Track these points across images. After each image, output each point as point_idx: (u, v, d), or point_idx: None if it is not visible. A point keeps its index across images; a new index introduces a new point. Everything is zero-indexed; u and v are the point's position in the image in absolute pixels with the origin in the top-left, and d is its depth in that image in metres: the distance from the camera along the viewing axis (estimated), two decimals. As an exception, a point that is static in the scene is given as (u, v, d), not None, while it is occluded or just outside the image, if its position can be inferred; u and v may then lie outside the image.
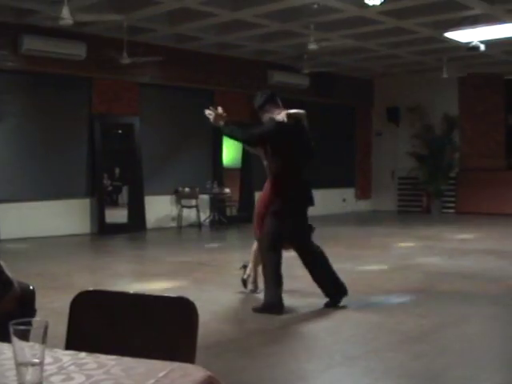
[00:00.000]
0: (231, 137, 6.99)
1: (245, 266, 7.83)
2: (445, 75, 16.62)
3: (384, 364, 5.01)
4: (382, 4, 10.67)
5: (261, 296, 7.19)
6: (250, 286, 7.71)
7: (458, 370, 4.86)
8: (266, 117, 7.00)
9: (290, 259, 7.22)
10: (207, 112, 6.85)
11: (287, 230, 6.89)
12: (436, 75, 17.25)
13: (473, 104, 18.95)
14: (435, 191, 19.17)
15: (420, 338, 5.77)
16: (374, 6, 10.89)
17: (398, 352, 5.34)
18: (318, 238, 7.23)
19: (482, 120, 18.86)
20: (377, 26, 13.40)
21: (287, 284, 6.90)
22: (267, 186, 7.03)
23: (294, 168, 6.94)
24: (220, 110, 6.87)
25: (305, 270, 7.04)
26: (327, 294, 6.95)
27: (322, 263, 7.01)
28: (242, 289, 7.67)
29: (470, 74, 18.44)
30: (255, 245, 7.50)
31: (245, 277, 7.74)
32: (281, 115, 6.90)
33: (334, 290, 6.98)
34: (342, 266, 9.63)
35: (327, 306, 6.92)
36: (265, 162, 7.21)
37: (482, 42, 13.72)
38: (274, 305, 6.72)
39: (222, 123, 6.82)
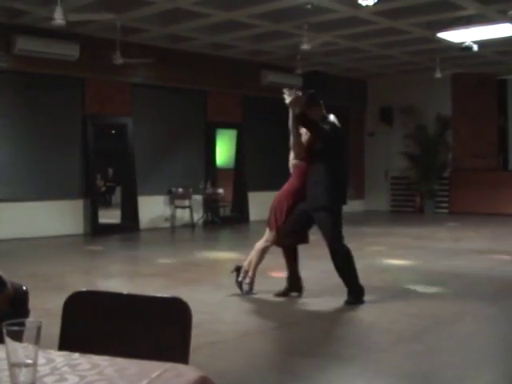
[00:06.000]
0: (306, 125, 6.80)
1: (238, 269, 7.60)
2: (438, 75, 16.64)
3: (377, 364, 5.02)
4: (375, 4, 10.68)
5: (254, 296, 7.22)
6: (246, 287, 7.52)
7: (451, 369, 4.87)
8: (312, 114, 6.84)
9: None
10: (286, 93, 6.70)
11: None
12: (429, 75, 17.26)
13: (465, 104, 18.98)
14: (428, 191, 19.22)
15: (413, 337, 5.78)
16: (367, 6, 10.90)
17: (390, 352, 5.35)
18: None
19: (474, 120, 18.89)
20: (370, 26, 13.42)
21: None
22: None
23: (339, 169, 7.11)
24: (299, 93, 6.77)
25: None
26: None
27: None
28: (235, 289, 7.55)
29: (462, 74, 18.50)
30: (259, 244, 7.52)
31: (240, 279, 7.52)
32: (332, 118, 7.02)
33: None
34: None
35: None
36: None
37: (474, 42, 13.73)
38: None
39: (297, 110, 6.68)
